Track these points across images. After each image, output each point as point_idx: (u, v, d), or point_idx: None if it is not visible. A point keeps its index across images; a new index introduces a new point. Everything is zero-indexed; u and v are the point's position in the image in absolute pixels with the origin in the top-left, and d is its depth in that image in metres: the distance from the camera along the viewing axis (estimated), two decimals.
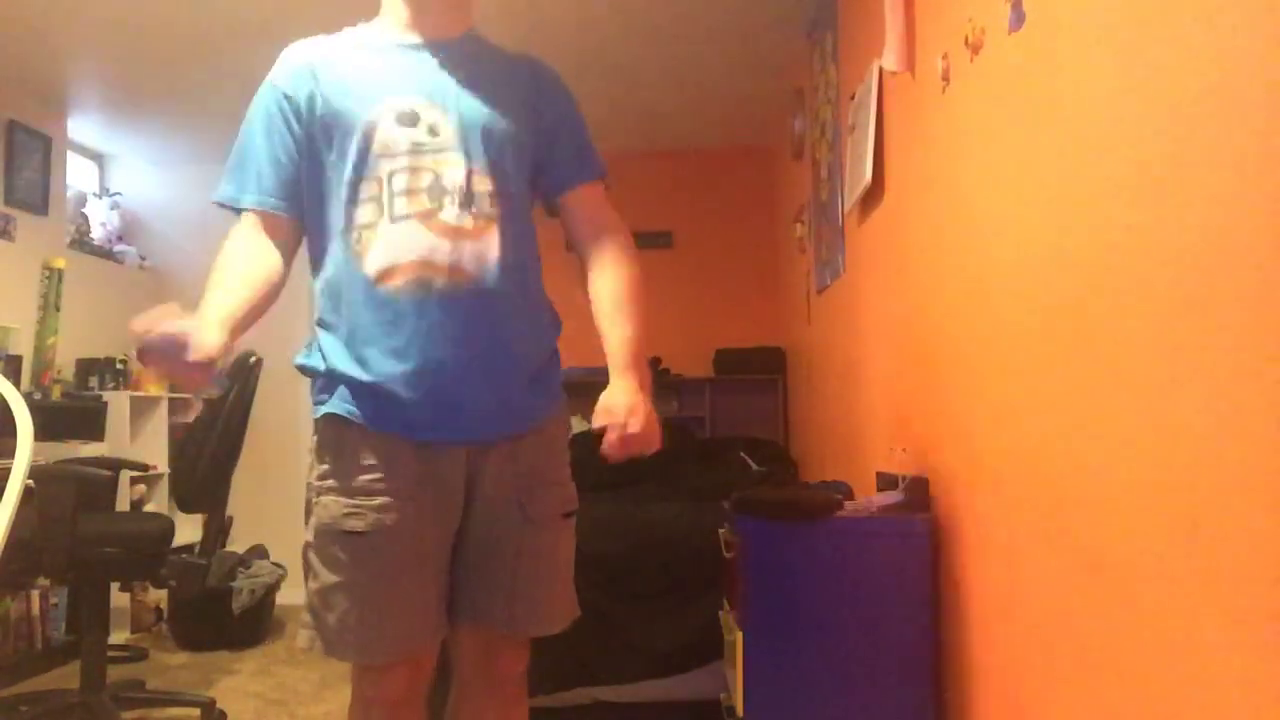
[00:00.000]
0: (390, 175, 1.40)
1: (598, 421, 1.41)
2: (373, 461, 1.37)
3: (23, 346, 3.96)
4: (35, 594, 3.64)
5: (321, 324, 1.45)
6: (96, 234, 4.77)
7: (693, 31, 3.59)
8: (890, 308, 2.45)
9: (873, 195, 2.55)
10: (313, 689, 3.30)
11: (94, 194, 4.90)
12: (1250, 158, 0.94)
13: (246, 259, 1.44)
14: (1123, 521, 1.21)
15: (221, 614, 3.91)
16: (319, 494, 1.40)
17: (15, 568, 2.67)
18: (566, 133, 1.56)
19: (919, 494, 2.06)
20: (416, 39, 1.49)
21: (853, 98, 2.75)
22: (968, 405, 1.82)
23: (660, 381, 4.76)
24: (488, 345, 1.40)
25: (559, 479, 1.50)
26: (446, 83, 1.46)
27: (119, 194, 4.99)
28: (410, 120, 1.41)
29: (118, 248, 4.85)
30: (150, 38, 3.56)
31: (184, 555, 3.07)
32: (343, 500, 1.37)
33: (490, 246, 1.41)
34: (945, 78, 1.91)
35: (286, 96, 1.46)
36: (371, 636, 1.37)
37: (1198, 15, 1.03)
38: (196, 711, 2.99)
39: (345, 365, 1.40)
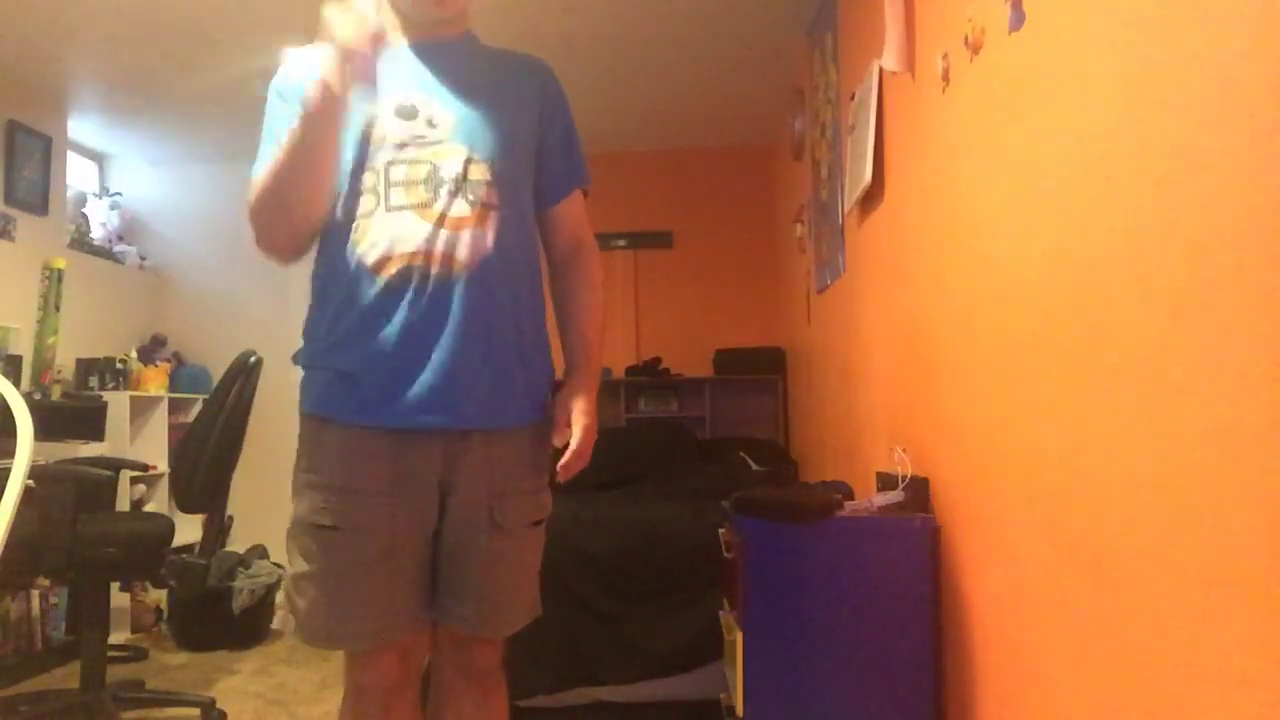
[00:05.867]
0: (387, 166, 1.42)
1: (564, 440, 1.48)
2: (346, 459, 1.40)
3: (23, 346, 3.96)
4: (35, 594, 3.64)
5: (311, 316, 1.47)
6: (96, 234, 4.77)
7: (693, 31, 3.59)
8: (890, 308, 2.45)
9: (873, 195, 2.55)
10: (313, 689, 3.30)
11: (94, 194, 4.90)
12: (1250, 158, 0.94)
13: None
14: (1123, 521, 1.21)
15: (221, 614, 3.91)
16: (298, 487, 1.44)
17: (15, 568, 2.67)
18: (564, 143, 1.60)
19: (919, 494, 2.06)
20: (416, 40, 1.52)
21: (853, 98, 2.75)
22: (968, 405, 1.82)
23: (660, 381, 4.76)
24: (479, 331, 1.41)
25: (532, 488, 1.50)
26: (447, 78, 1.49)
27: (119, 194, 4.98)
28: (409, 113, 1.44)
29: (118, 248, 4.85)
30: (150, 38, 3.56)
31: (184, 555, 3.07)
32: (316, 494, 1.40)
33: (486, 234, 1.42)
34: (945, 78, 1.91)
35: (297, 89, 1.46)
36: (339, 626, 1.40)
37: (1198, 15, 1.03)
38: (196, 711, 3.00)
39: (331, 356, 1.42)
